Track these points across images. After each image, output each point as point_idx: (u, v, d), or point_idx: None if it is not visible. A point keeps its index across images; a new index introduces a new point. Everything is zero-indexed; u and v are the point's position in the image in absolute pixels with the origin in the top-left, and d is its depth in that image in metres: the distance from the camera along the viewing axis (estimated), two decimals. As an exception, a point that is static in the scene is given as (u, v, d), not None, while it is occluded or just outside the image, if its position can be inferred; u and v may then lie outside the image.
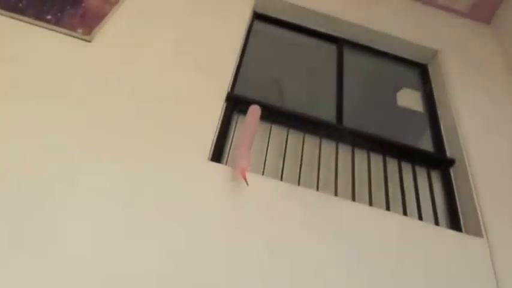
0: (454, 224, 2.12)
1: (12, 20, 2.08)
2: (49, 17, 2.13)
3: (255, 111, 1.97)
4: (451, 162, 2.33)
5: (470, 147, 2.28)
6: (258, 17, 2.80)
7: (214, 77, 2.16)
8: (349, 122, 2.35)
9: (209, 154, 1.85)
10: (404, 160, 2.30)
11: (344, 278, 1.65)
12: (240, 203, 1.72)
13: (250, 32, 2.66)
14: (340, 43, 2.83)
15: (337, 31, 2.86)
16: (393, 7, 3.11)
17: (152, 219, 1.60)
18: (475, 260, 1.89)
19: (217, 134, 1.96)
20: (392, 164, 2.26)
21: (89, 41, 2.08)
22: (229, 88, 2.18)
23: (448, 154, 2.39)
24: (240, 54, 2.41)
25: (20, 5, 2.14)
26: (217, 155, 1.92)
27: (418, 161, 2.32)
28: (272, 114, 2.22)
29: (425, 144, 2.53)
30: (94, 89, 1.90)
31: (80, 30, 2.10)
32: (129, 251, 1.51)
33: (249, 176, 1.78)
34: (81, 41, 2.07)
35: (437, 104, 2.67)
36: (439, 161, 2.37)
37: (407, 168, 2.28)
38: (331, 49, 2.82)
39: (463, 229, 2.10)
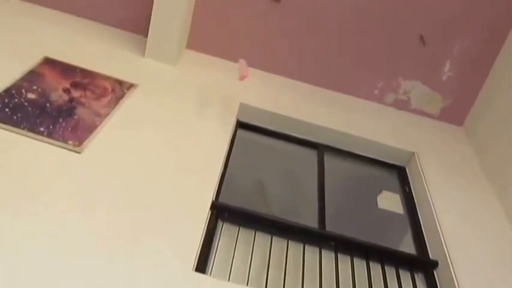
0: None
1: (7, 132, 2.16)
2: (42, 129, 2.22)
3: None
4: (434, 264, 2.36)
5: (452, 247, 2.32)
6: (241, 125, 2.92)
7: (199, 185, 2.22)
8: (331, 226, 2.40)
9: (194, 264, 1.86)
10: (388, 264, 2.33)
11: None
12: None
13: (234, 139, 2.77)
14: (320, 148, 2.94)
15: (317, 137, 2.98)
16: (369, 113, 3.27)
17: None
18: None
19: (201, 243, 1.98)
20: (376, 269, 2.29)
21: (79, 153, 2.15)
22: (214, 196, 2.24)
23: (431, 255, 2.42)
24: (224, 162, 2.50)
25: (15, 117, 2.24)
26: (202, 265, 1.93)
27: (402, 264, 2.35)
28: (256, 221, 2.28)
29: (408, 246, 2.58)
30: (82, 200, 1.95)
31: (70, 142, 2.18)
32: None
33: (235, 286, 1.79)
34: (71, 152, 2.15)
35: (417, 205, 2.74)
36: (422, 264, 2.40)
37: (391, 272, 2.31)
38: (311, 154, 2.93)
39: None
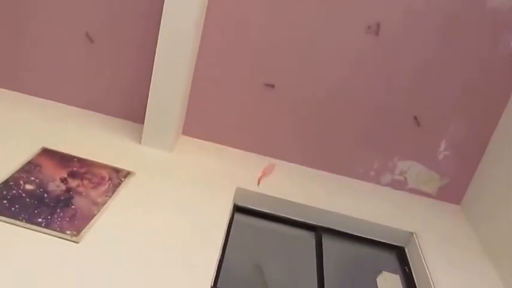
0: None
1: (5, 224, 2.17)
2: (40, 219, 2.23)
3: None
4: None
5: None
6: (238, 209, 2.93)
7: (197, 271, 2.20)
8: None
9: None
10: None
11: None
12: None
13: (231, 223, 2.77)
14: (318, 231, 2.94)
15: (314, 219, 2.99)
16: (366, 194, 3.29)
17: None
18: None
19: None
20: None
21: (77, 242, 2.15)
22: (212, 282, 2.22)
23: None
24: (222, 246, 2.49)
25: (13, 209, 2.25)
26: None
27: None
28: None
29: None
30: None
31: (68, 232, 2.18)
32: None
33: None
34: (69, 242, 2.14)
35: (417, 285, 2.70)
36: None
37: None
38: (309, 236, 2.92)
39: None
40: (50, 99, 3.41)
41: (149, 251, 2.24)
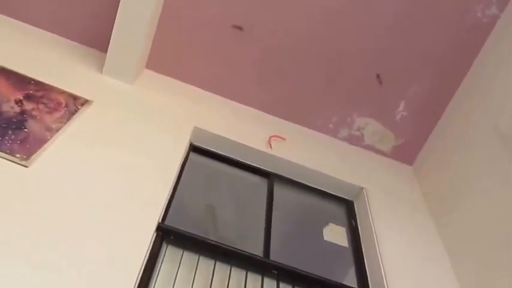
0: None
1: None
2: (-11, 141, 2.19)
3: None
4: (373, 299, 2.41)
5: (391, 283, 2.37)
6: (194, 149, 2.93)
7: (146, 207, 2.22)
8: (276, 255, 2.42)
9: (135, 287, 1.85)
10: (329, 296, 2.37)
11: None
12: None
13: (186, 162, 2.77)
14: (271, 177, 2.98)
15: (268, 166, 3.02)
16: (323, 146, 3.34)
17: None
18: None
19: (144, 265, 1.97)
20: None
21: (27, 166, 2.12)
22: (161, 218, 2.24)
23: (371, 289, 2.48)
24: (174, 184, 2.50)
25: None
26: (144, 286, 1.92)
27: (342, 297, 2.40)
28: (200, 246, 2.28)
29: (350, 278, 2.62)
30: (24, 215, 1.91)
31: (18, 155, 2.15)
32: None
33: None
34: (19, 166, 2.11)
35: (361, 239, 2.79)
36: (362, 297, 2.45)
37: (331, 304, 2.35)
38: (262, 182, 2.96)
39: None
40: (15, 19, 3.28)
41: (98, 183, 2.23)
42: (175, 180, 2.53)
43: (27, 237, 1.82)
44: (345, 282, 2.47)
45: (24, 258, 1.74)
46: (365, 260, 2.65)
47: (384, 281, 2.37)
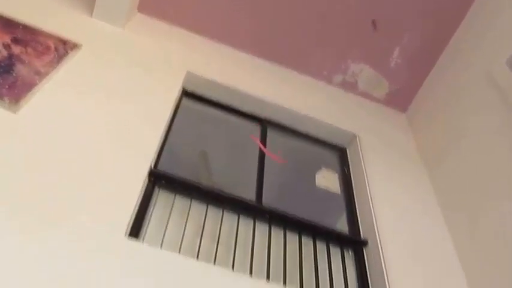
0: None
1: None
2: (-24, 84, 2.15)
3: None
4: (364, 243, 2.43)
5: (382, 229, 2.40)
6: (186, 94, 2.90)
7: (138, 152, 2.20)
8: (268, 200, 2.44)
9: (127, 230, 1.85)
10: (320, 240, 2.39)
11: None
12: (156, 281, 1.72)
13: (178, 107, 2.75)
14: (264, 123, 2.96)
15: (261, 111, 3.00)
16: (316, 92, 3.31)
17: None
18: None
19: (136, 210, 1.98)
20: (307, 244, 2.34)
21: (15, 112, 2.09)
22: (153, 164, 2.23)
23: (362, 235, 2.50)
24: (166, 130, 2.48)
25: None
26: (136, 231, 1.92)
27: (333, 241, 2.42)
28: (192, 190, 2.29)
29: (341, 224, 2.65)
30: (12, 162, 1.89)
31: (6, 100, 2.11)
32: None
33: (165, 254, 1.83)
34: (6, 111, 2.08)
35: (353, 186, 2.81)
36: (352, 242, 2.48)
37: (322, 248, 2.37)
38: (255, 127, 2.94)
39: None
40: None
41: (89, 128, 2.20)
42: (167, 125, 2.51)
43: (15, 183, 1.82)
44: (335, 228, 2.50)
45: (10, 205, 1.73)
46: (356, 207, 2.67)
47: (375, 227, 2.40)
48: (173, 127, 2.59)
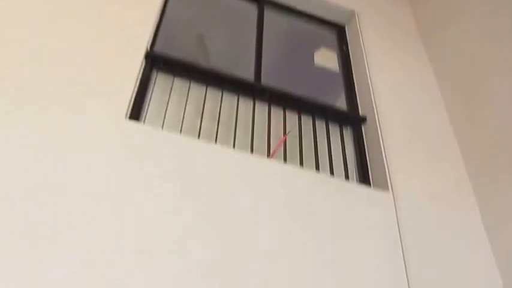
0: (364, 179, 2.26)
1: None
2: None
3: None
4: (362, 119, 2.46)
5: (381, 106, 2.41)
6: (180, -27, 2.79)
7: (133, 34, 2.16)
8: (267, 79, 2.42)
9: (127, 112, 1.86)
10: (319, 118, 2.40)
11: (255, 235, 1.72)
12: (158, 162, 1.75)
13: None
14: (260, 2, 2.87)
15: (258, -10, 2.90)
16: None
17: (69, 180, 1.60)
18: (381, 212, 2.03)
19: (135, 91, 1.97)
20: (307, 122, 2.36)
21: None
22: (149, 45, 2.19)
23: (361, 112, 2.51)
24: (161, 12, 2.40)
25: None
26: (136, 113, 1.94)
27: (332, 118, 2.44)
28: (191, 72, 2.27)
29: (342, 103, 2.65)
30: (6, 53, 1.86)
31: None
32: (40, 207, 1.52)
33: (166, 135, 1.85)
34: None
35: (352, 64, 2.77)
36: (351, 119, 2.50)
37: (321, 125, 2.39)
38: (252, 8, 2.86)
39: (371, 184, 2.23)
40: None
41: (86, 12, 2.14)
42: (162, 6, 2.43)
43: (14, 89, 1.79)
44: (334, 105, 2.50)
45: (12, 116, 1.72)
46: (355, 85, 2.66)
47: (373, 104, 2.40)
48: (168, 10, 2.51)
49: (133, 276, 1.46)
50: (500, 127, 2.23)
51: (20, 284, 1.35)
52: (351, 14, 2.96)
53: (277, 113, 2.32)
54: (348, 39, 2.93)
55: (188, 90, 2.21)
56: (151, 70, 2.17)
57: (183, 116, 2.11)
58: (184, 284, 1.51)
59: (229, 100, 2.26)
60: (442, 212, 2.15)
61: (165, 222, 1.61)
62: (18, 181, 1.53)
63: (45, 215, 1.50)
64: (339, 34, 2.99)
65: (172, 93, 2.17)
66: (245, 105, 2.28)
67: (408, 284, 1.83)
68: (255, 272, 1.62)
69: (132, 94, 1.95)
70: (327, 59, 2.80)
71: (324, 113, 2.43)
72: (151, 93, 2.12)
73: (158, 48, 2.28)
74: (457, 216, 2.18)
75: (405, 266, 1.89)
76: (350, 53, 2.83)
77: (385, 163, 2.20)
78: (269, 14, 2.85)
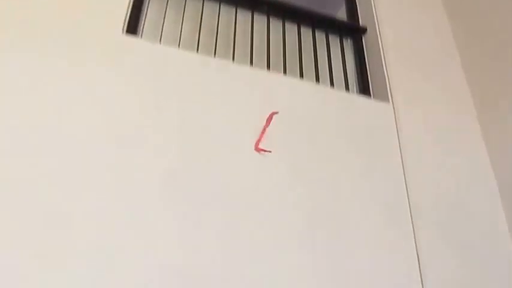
0: (364, 90, 2.25)
1: None
2: None
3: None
4: (363, 30, 2.42)
5: (382, 17, 2.36)
6: None
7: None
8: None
9: (123, 27, 1.83)
10: (319, 29, 2.36)
11: (251, 147, 1.73)
12: (157, 77, 1.74)
13: None
14: None
15: None
16: None
17: (67, 96, 1.60)
18: (381, 123, 2.06)
19: (131, 5, 1.93)
20: (306, 33, 2.32)
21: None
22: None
23: (361, 23, 2.47)
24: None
25: None
26: (133, 28, 1.90)
27: (332, 29, 2.40)
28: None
29: (342, 14, 2.59)
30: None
31: None
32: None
33: (164, 49, 1.84)
34: None
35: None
36: (351, 29, 2.46)
37: (321, 37, 2.36)
38: None
39: (372, 95, 2.23)
40: None
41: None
42: None
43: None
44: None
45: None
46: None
47: (374, 14, 2.36)
48: None
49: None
50: (501, 41, 2.20)
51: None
52: None
53: (276, 25, 2.27)
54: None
55: (185, 4, 2.15)
56: (146, -16, 2.10)
57: (181, 30, 2.06)
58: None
59: (227, 13, 2.21)
60: (441, 123, 2.16)
61: (164, 137, 1.62)
62: (21, 100, 1.53)
63: (48, 129, 1.51)
64: None
65: (168, 7, 2.12)
66: (244, 18, 2.23)
67: (406, 188, 1.89)
68: (254, 182, 1.66)
69: (128, 7, 1.91)
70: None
71: (324, 24, 2.38)
72: (148, 6, 2.07)
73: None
74: (456, 127, 2.20)
75: (404, 174, 1.93)
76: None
77: (386, 74, 2.19)
78: None
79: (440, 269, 1.75)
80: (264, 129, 1.74)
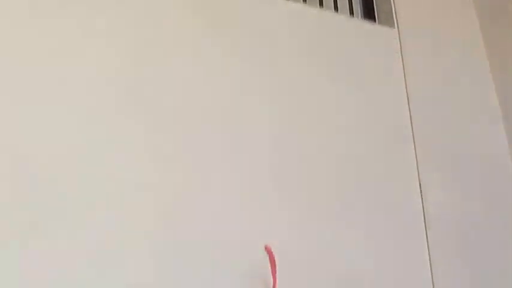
0: (369, 15, 2.19)
1: None
2: None
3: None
4: (368, -50, 2.34)
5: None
6: None
7: None
8: None
9: None
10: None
11: (254, 72, 1.71)
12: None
13: None
14: None
15: None
16: None
17: None
18: (386, 49, 2.02)
19: None
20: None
21: None
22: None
23: None
24: None
25: None
26: None
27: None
28: None
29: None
30: None
31: None
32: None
33: None
34: None
35: None
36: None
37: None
38: None
39: (376, 20, 2.17)
40: None
41: None
42: None
43: None
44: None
45: None
46: None
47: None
48: None
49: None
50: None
51: None
52: None
53: None
54: None
55: None
56: None
57: None
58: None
59: None
60: (447, 52, 2.12)
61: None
62: None
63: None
64: None
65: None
66: None
67: (410, 116, 1.88)
68: (254, 106, 1.65)
69: None
70: None
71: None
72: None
73: None
74: (462, 55, 2.16)
75: (408, 102, 1.92)
76: None
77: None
78: None
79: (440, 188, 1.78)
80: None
